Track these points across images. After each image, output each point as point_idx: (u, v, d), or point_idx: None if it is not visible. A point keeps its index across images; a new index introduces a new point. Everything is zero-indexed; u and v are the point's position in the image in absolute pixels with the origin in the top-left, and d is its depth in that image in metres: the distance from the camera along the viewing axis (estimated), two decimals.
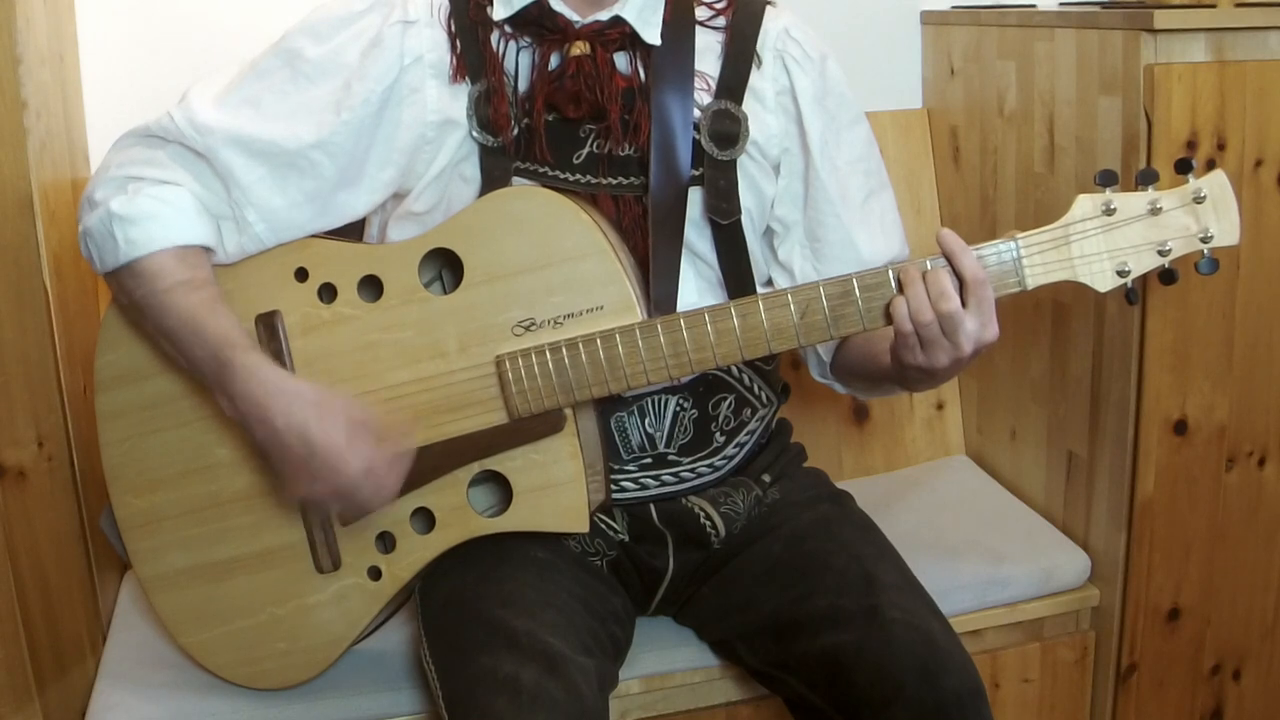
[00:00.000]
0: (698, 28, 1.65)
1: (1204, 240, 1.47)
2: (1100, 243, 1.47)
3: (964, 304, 1.45)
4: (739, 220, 1.65)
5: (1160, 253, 1.47)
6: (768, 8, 1.69)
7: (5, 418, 1.72)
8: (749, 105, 1.65)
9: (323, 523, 1.62)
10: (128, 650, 1.83)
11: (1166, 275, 1.49)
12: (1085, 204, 1.47)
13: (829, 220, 1.72)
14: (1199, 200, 1.46)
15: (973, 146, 2.31)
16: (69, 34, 2.07)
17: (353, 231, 1.69)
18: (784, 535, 1.71)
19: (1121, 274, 1.48)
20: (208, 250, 1.56)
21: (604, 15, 1.60)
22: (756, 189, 1.68)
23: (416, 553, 1.61)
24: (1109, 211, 1.46)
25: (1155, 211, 1.46)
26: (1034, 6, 2.30)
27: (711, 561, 1.74)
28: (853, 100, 1.73)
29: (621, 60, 1.61)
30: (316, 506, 1.59)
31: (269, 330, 1.59)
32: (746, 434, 1.74)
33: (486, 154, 1.61)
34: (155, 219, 1.52)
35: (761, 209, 1.70)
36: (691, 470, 1.70)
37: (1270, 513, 2.01)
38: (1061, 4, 2.26)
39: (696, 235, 1.64)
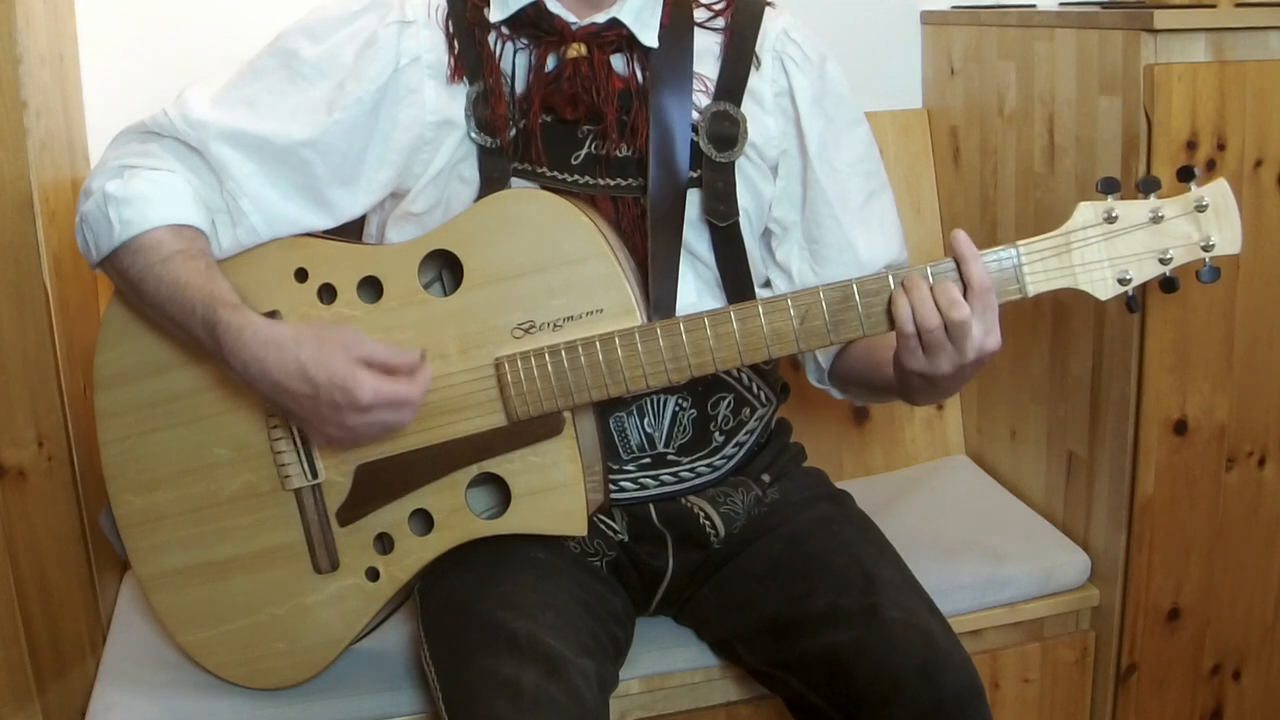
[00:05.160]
0: (696, 29, 1.65)
1: (1205, 249, 1.47)
2: (1101, 250, 1.47)
3: None
4: (737, 222, 1.65)
5: (1161, 261, 1.47)
6: (767, 9, 1.69)
7: (5, 418, 1.72)
8: (748, 107, 1.65)
9: (321, 523, 1.62)
10: (128, 650, 1.83)
11: (1167, 283, 1.49)
12: (1087, 211, 1.47)
13: (827, 222, 1.71)
14: (1201, 209, 1.46)
15: (973, 146, 2.31)
16: (69, 34, 2.07)
17: (351, 231, 1.69)
18: (783, 535, 1.71)
19: (1123, 282, 1.48)
20: (203, 234, 1.57)
21: (601, 17, 1.59)
22: (755, 191, 1.68)
23: (415, 554, 1.61)
24: (1111, 219, 1.46)
25: (1157, 220, 1.46)
26: (1034, 6, 2.29)
27: (711, 561, 1.74)
28: (852, 102, 1.73)
29: (619, 62, 1.61)
30: (349, 444, 1.57)
31: None
32: (746, 434, 1.74)
33: (485, 155, 1.61)
34: (149, 199, 1.53)
35: (760, 211, 1.70)
36: (691, 470, 1.70)
37: (1270, 513, 2.01)
38: (1061, 4, 2.26)
39: (695, 236, 1.64)
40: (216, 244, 1.57)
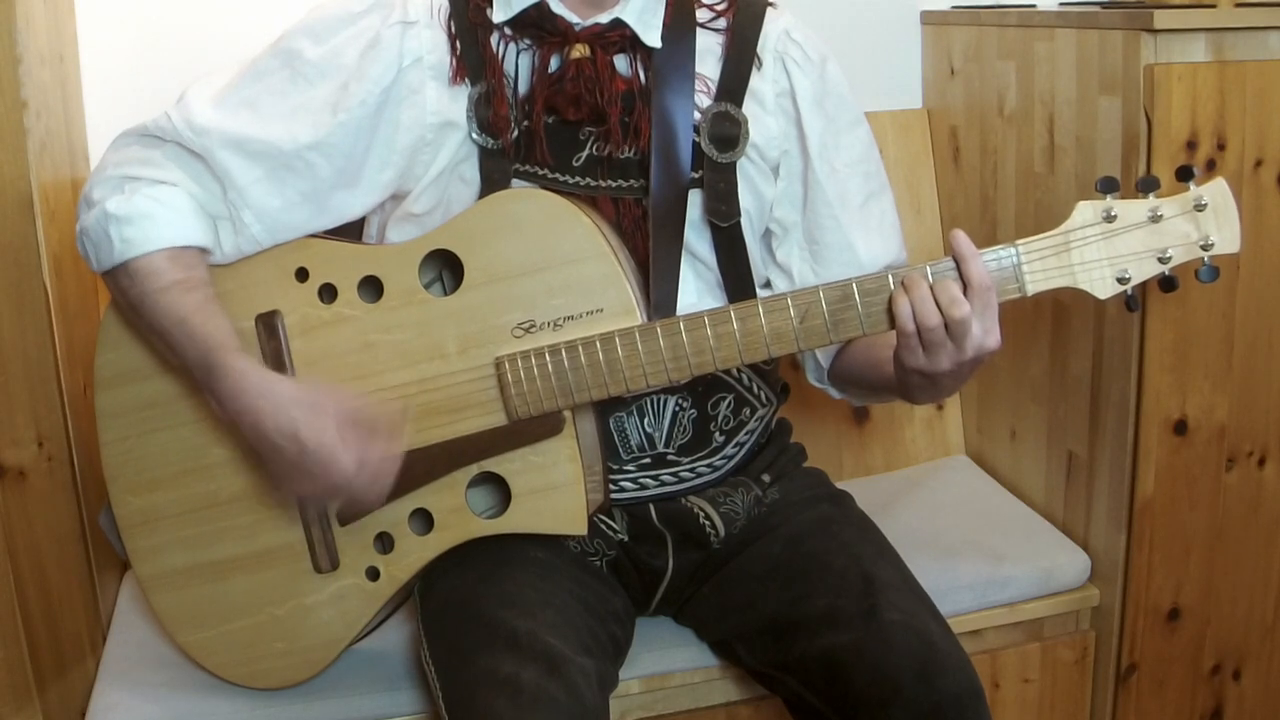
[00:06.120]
0: (698, 30, 1.65)
1: (1204, 248, 1.47)
2: (1101, 249, 1.47)
3: None
4: (738, 222, 1.65)
5: (1160, 260, 1.47)
6: (768, 9, 1.69)
7: (5, 418, 1.72)
8: (749, 107, 1.65)
9: (321, 523, 1.62)
10: (128, 650, 1.83)
11: (1167, 282, 1.49)
12: (1086, 210, 1.47)
13: (827, 223, 1.71)
14: (1200, 208, 1.46)
15: (973, 146, 2.31)
16: (69, 34, 2.06)
17: (351, 232, 1.69)
18: (783, 535, 1.71)
19: (1122, 281, 1.48)
20: (204, 251, 1.56)
21: (604, 18, 1.59)
22: (756, 191, 1.68)
23: (415, 554, 1.61)
24: (1110, 218, 1.46)
25: (1156, 219, 1.46)
26: (1034, 6, 2.29)
27: (711, 561, 1.74)
28: (853, 102, 1.73)
29: (621, 63, 1.61)
30: (314, 504, 1.60)
31: (269, 330, 1.59)
32: (746, 434, 1.74)
33: (486, 156, 1.60)
34: (151, 219, 1.52)
35: (761, 211, 1.70)
36: (691, 470, 1.70)
37: (1270, 513, 2.01)
38: (1061, 4, 2.26)
39: (696, 237, 1.64)
40: (219, 250, 1.57)
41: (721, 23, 1.67)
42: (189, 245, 1.54)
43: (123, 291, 1.55)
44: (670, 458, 1.68)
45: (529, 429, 1.55)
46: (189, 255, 1.54)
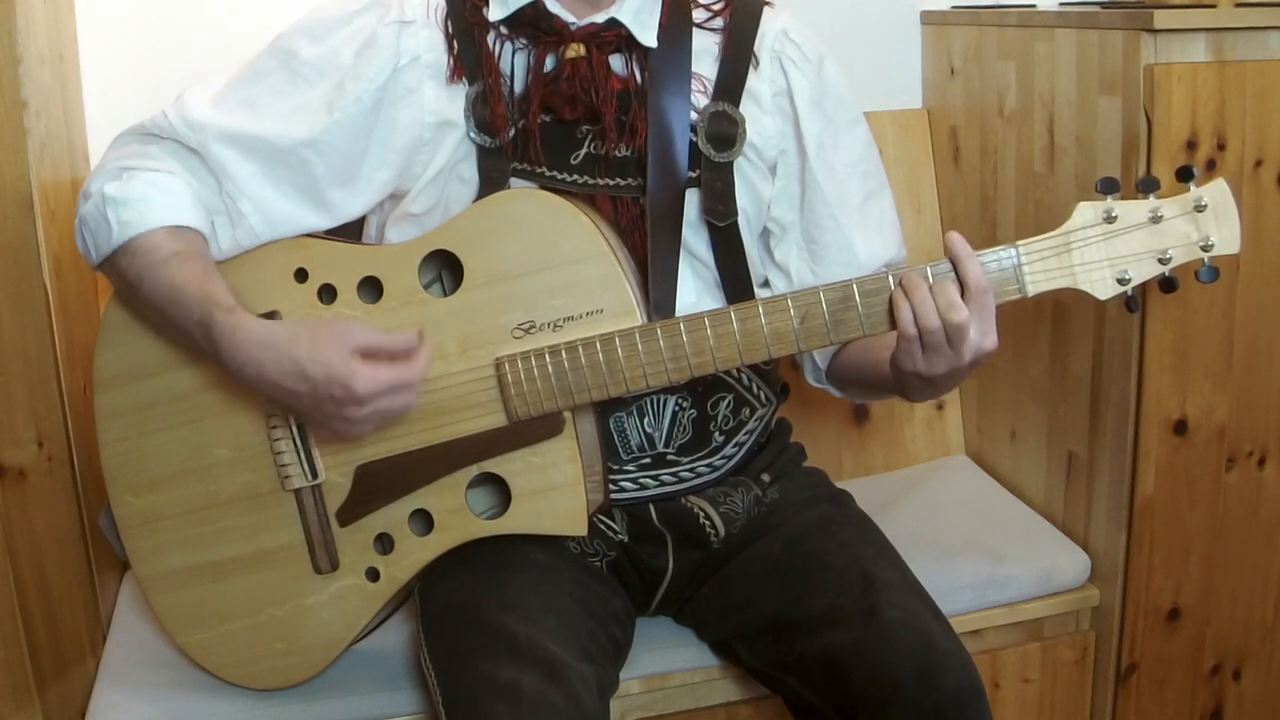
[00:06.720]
0: (695, 29, 1.65)
1: (1204, 249, 1.47)
2: (1101, 250, 1.47)
3: None
4: (736, 222, 1.65)
5: (1161, 261, 1.47)
6: (765, 9, 1.69)
7: (5, 418, 1.72)
8: (746, 107, 1.65)
9: (321, 523, 1.62)
10: (128, 650, 1.83)
11: (1167, 283, 1.49)
12: (1086, 211, 1.47)
13: (826, 222, 1.71)
14: (1200, 209, 1.46)
15: (973, 146, 2.31)
16: (69, 34, 2.07)
17: (350, 232, 1.69)
18: (783, 535, 1.71)
19: (1122, 282, 1.48)
20: (202, 235, 1.57)
21: (600, 17, 1.59)
22: (753, 191, 1.68)
23: (415, 554, 1.61)
24: (1110, 219, 1.46)
25: (1156, 220, 1.46)
26: (1034, 6, 2.29)
27: (711, 561, 1.73)
28: (851, 101, 1.73)
29: (617, 62, 1.61)
30: (355, 437, 1.55)
31: None
32: (745, 434, 1.74)
33: (484, 155, 1.61)
34: (148, 201, 1.53)
35: (758, 211, 1.70)
36: (691, 470, 1.70)
37: (1270, 513, 2.01)
38: (1061, 4, 2.26)
39: (694, 237, 1.64)
40: (216, 245, 1.58)
41: (718, 22, 1.67)
42: (186, 225, 1.54)
43: (122, 274, 1.55)
44: (670, 458, 1.68)
45: (529, 429, 1.55)
46: (188, 232, 1.55)
